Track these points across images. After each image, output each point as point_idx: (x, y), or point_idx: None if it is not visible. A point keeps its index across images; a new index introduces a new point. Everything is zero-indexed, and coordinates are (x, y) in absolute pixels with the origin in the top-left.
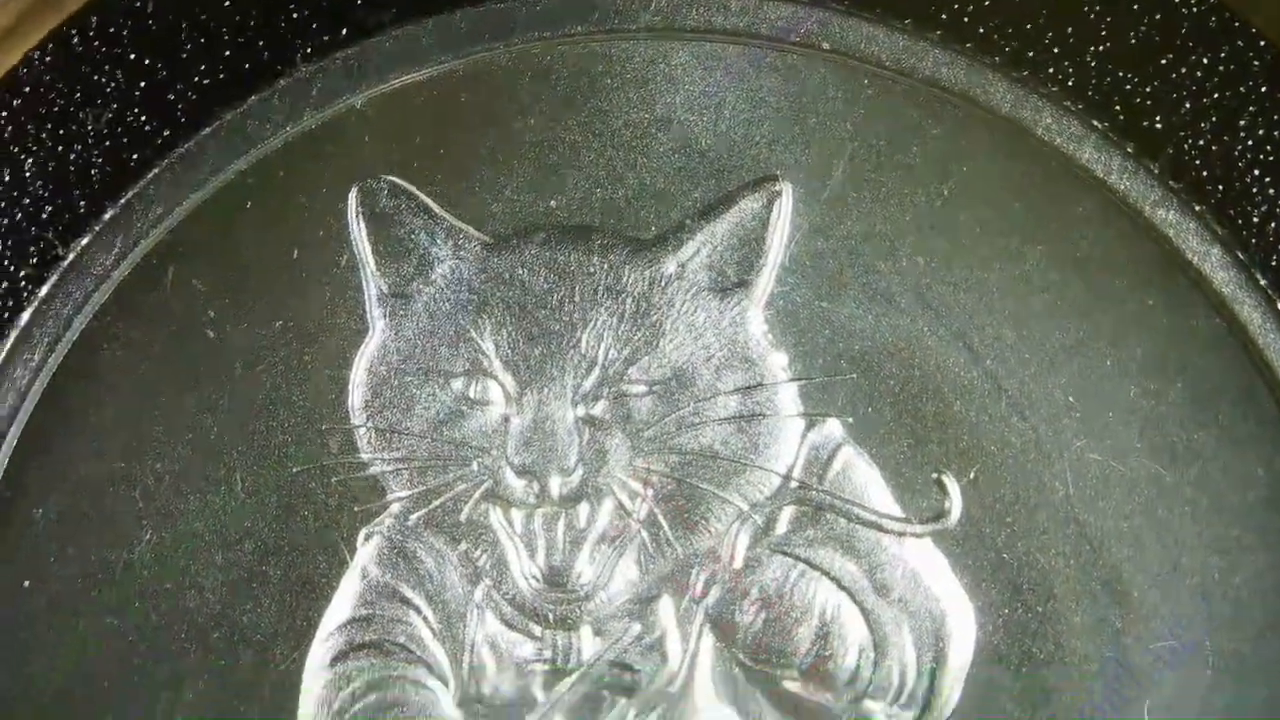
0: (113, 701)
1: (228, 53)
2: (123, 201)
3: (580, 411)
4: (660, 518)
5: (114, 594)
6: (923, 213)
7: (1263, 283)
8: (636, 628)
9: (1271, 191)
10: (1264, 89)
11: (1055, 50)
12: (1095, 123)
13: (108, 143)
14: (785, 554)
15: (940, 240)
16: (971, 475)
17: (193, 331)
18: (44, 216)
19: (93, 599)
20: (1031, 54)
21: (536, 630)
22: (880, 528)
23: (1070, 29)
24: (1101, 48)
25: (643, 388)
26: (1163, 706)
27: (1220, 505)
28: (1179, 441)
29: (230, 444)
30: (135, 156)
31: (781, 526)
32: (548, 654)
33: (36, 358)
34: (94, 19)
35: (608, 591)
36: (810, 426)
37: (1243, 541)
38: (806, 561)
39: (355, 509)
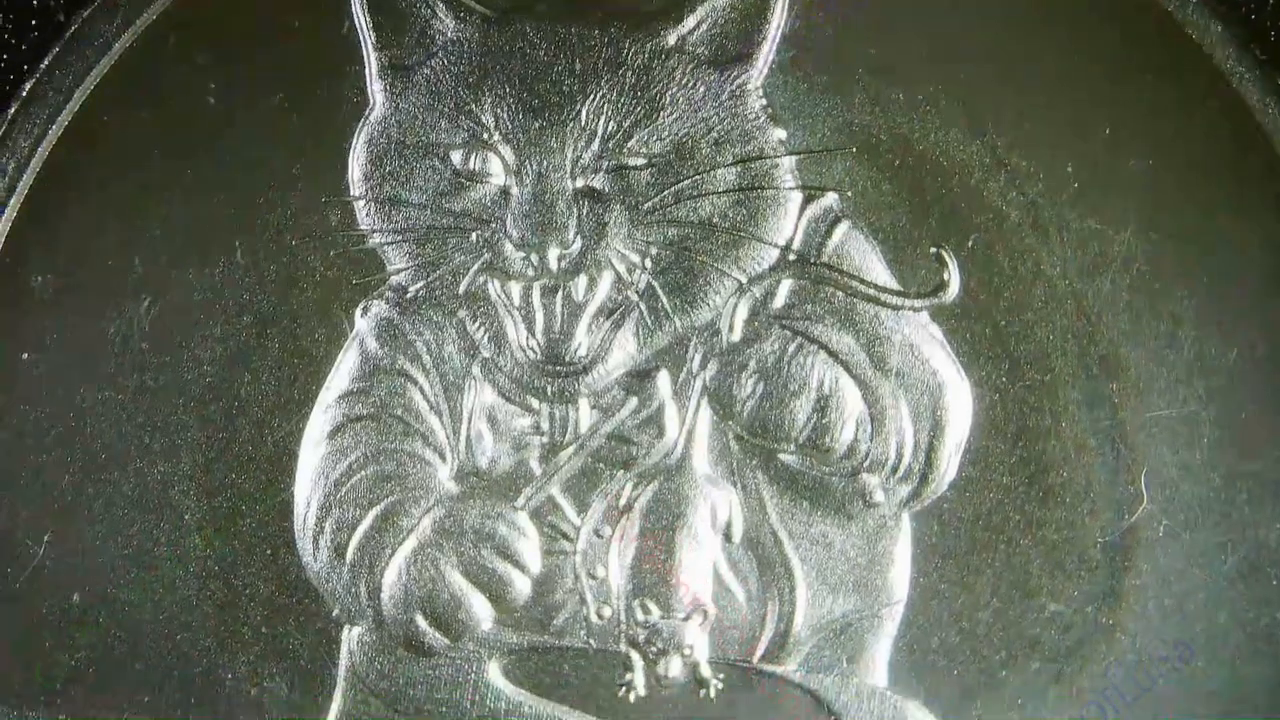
0: (109, 473)
1: None
2: None
3: (579, 184)
4: (658, 290)
5: (111, 365)
6: None
7: (1262, 58)
8: (634, 401)
9: None
10: None
11: None
12: None
13: None
14: (783, 327)
15: (943, 15)
16: (970, 247)
17: (195, 103)
18: None
19: (90, 370)
20: None
21: (534, 403)
22: (878, 301)
23: None
24: None
25: (642, 160)
26: (1158, 479)
27: (1217, 280)
28: (1177, 216)
29: (230, 216)
30: None
31: (779, 300)
32: (545, 427)
33: (37, 128)
34: None
35: (605, 364)
36: (809, 200)
37: (1239, 316)
38: (804, 335)
39: (354, 281)
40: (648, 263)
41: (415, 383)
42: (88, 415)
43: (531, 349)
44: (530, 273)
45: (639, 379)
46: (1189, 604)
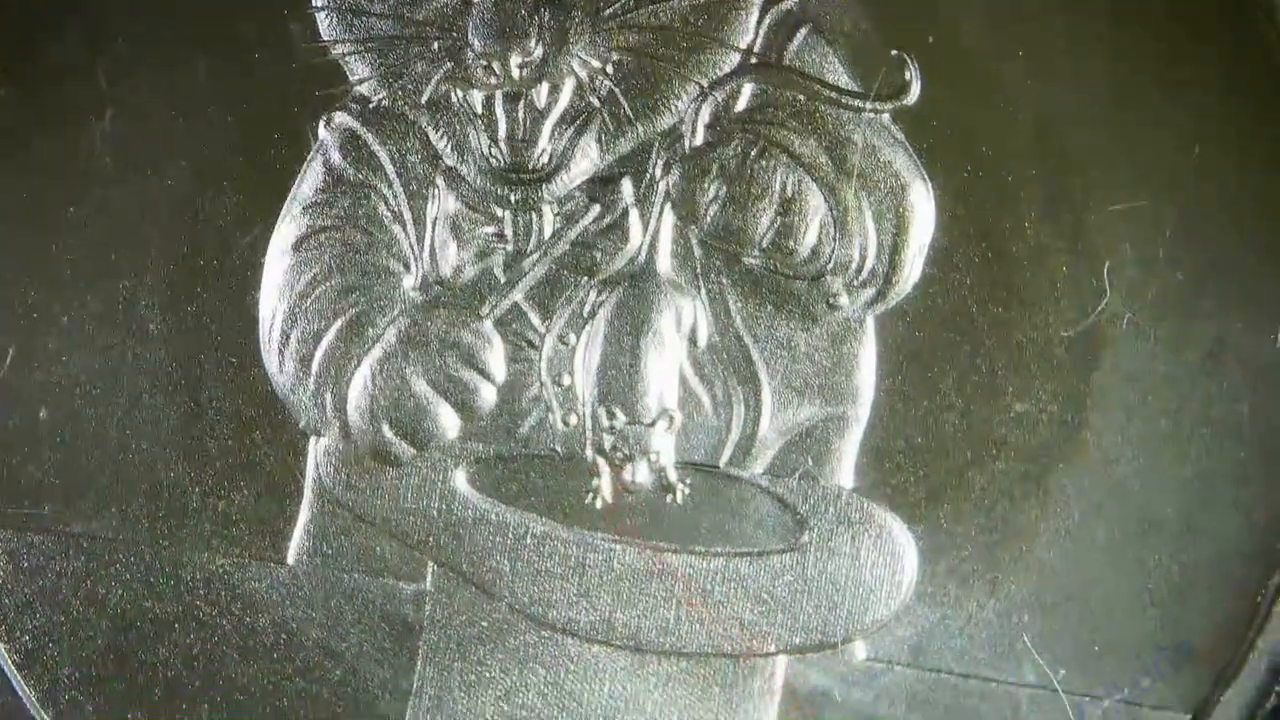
0: (74, 288)
1: None
2: None
3: None
4: (620, 97)
5: (75, 182)
6: None
7: None
8: (597, 208)
9: None
10: None
11: None
12: None
13: None
14: (745, 131)
15: None
16: (930, 49)
17: None
18: None
19: (54, 187)
20: None
21: (497, 211)
22: (840, 104)
23: None
24: None
25: None
26: (1121, 274)
27: (1179, 77)
28: (1140, 14)
29: (192, 30)
30: None
31: (741, 104)
32: (508, 234)
33: None
34: None
35: (568, 171)
36: (770, 4)
37: (1201, 112)
38: (766, 138)
39: (317, 93)
40: (609, 69)
41: (379, 193)
42: (52, 231)
43: (495, 157)
44: (492, 81)
45: (602, 185)
46: (1154, 400)
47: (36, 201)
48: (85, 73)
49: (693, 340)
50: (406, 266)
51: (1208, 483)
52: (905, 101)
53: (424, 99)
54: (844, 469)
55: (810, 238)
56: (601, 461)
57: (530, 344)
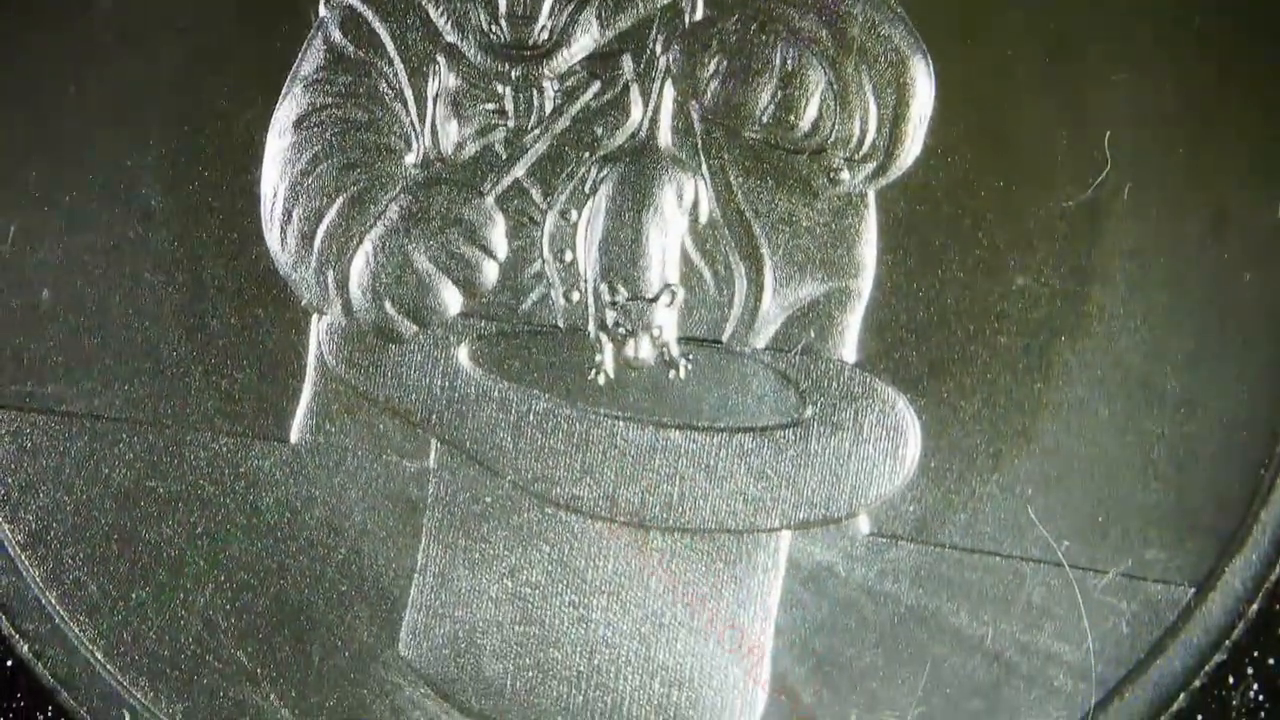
0: (76, 166)
1: None
2: None
3: None
4: None
5: (71, 63)
6: None
7: None
8: (597, 84)
9: None
10: None
11: None
12: None
13: None
14: (745, 6)
15: None
16: None
17: None
18: None
19: (55, 63)
20: None
21: (498, 88)
22: None
23: None
24: None
25: None
26: (1122, 143)
27: None
28: None
29: None
30: None
31: None
32: (509, 110)
33: None
34: None
35: (569, 47)
36: None
37: None
38: (766, 14)
39: None
40: None
41: (379, 70)
42: (53, 110)
43: (495, 33)
44: None
45: (603, 61)
46: (1155, 272)
47: (37, 80)
48: None
49: (694, 216)
50: (408, 144)
51: (1210, 354)
52: None
53: None
54: (846, 344)
55: (811, 112)
56: (604, 337)
57: (532, 220)
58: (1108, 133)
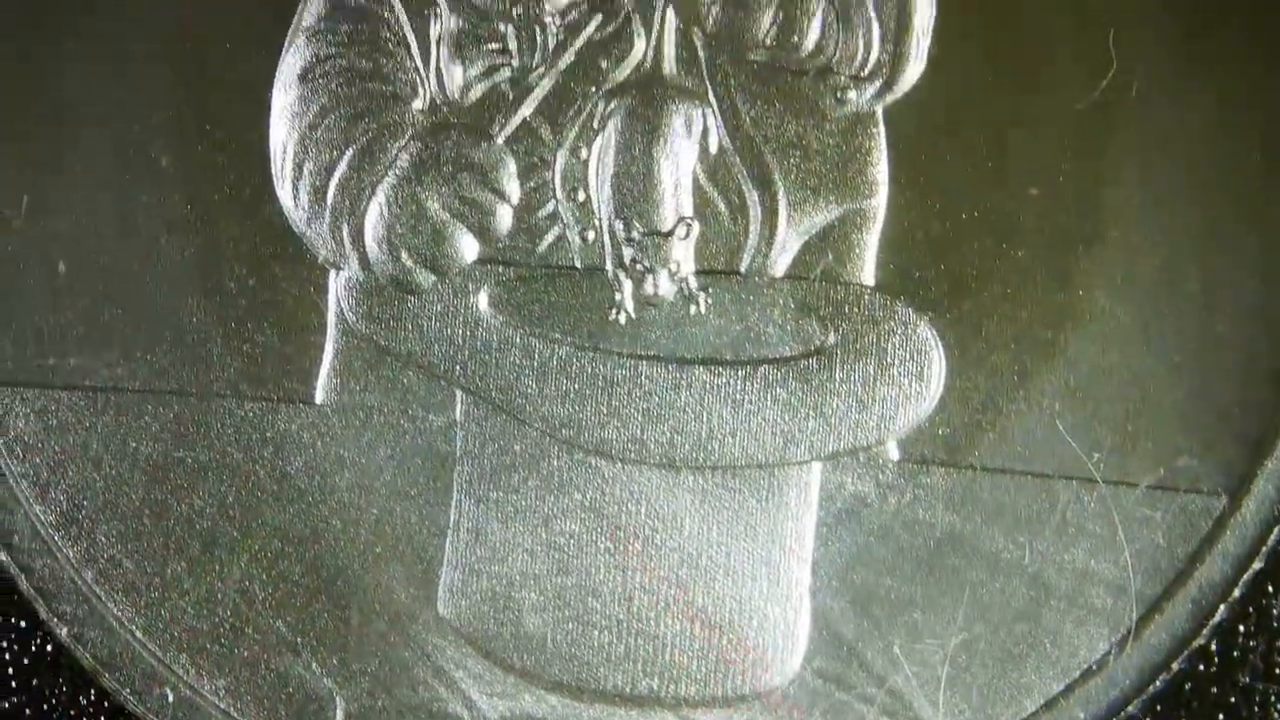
0: (85, 132)
1: None
2: None
3: None
4: None
5: (79, 10)
6: None
7: None
8: (599, 16)
9: None
10: None
11: None
12: None
13: None
14: None
15: None
16: None
17: None
18: None
19: (57, 22)
20: None
21: (500, 27)
22: None
23: None
24: None
25: None
26: (1128, 41)
27: None
28: None
29: None
30: None
31: None
32: (512, 49)
33: None
34: None
35: None
36: None
37: None
38: None
39: None
40: None
41: (380, 17)
42: (58, 75)
43: None
44: None
45: None
46: (1169, 170)
47: (40, 46)
48: None
49: (704, 145)
50: (414, 90)
51: (1226, 247)
52: None
53: None
54: (865, 266)
55: (813, 31)
56: (622, 275)
57: (543, 160)
58: (1111, 31)
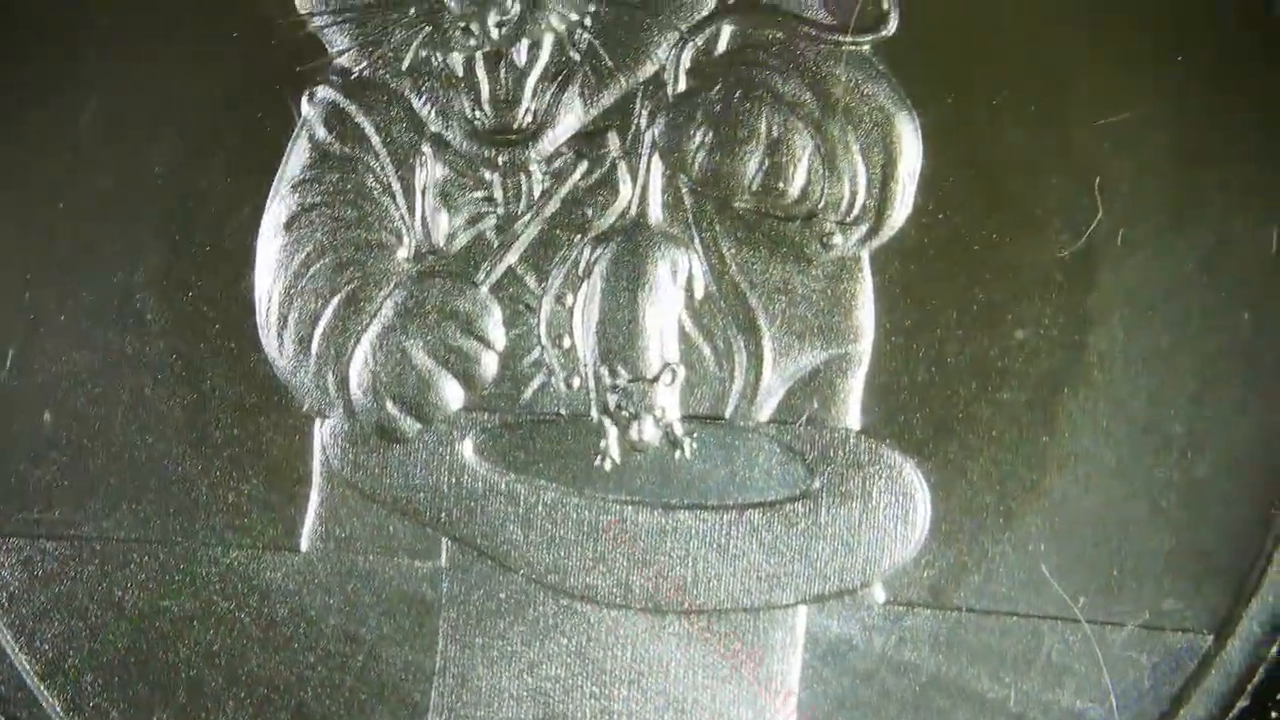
0: (70, 283)
1: None
2: None
3: None
4: (600, 49)
5: (63, 168)
6: None
7: None
8: (585, 163)
9: None
10: None
11: None
12: None
13: None
14: (727, 74)
15: None
16: None
17: None
18: None
19: (42, 177)
20: None
21: (485, 175)
22: (819, 39)
23: None
24: None
25: None
26: (1113, 188)
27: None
28: None
29: (174, 8)
30: None
31: (722, 46)
32: (498, 197)
33: None
34: None
35: (553, 129)
36: None
37: (1183, 16)
38: (749, 81)
39: (298, 68)
40: (587, 20)
41: (366, 165)
42: (44, 227)
43: (479, 119)
44: (471, 42)
45: (588, 140)
46: (1154, 315)
47: (26, 196)
48: (70, 59)
49: (689, 291)
50: (399, 238)
51: (1212, 395)
52: (884, 32)
53: (405, 66)
54: (850, 411)
55: (799, 177)
56: (607, 421)
57: (528, 307)
58: (1097, 178)
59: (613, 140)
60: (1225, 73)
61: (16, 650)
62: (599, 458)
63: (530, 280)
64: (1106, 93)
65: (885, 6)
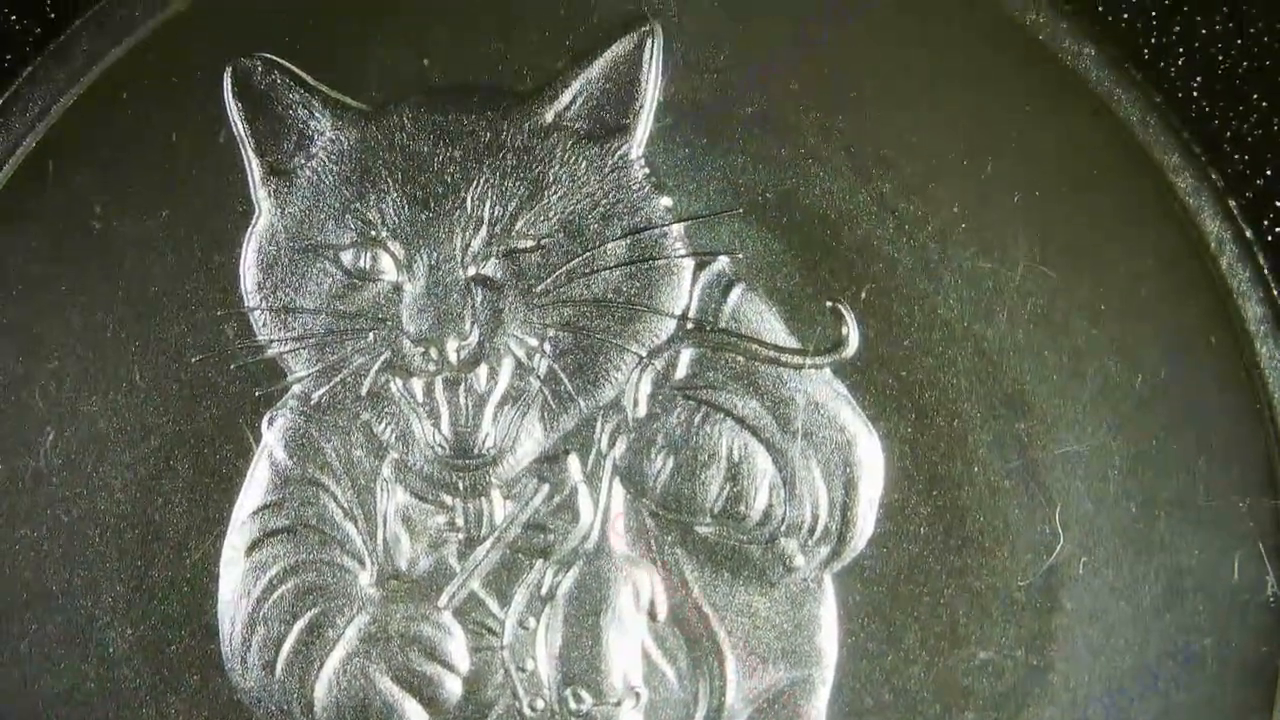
0: (33, 612)
1: None
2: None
3: (471, 272)
4: (560, 373)
5: (24, 502)
6: (796, 38)
7: (1138, 77)
8: (546, 488)
9: None
10: None
11: None
12: None
13: None
14: (687, 398)
15: (816, 65)
16: (864, 299)
17: (79, 227)
18: None
19: (3, 511)
20: None
21: (447, 499)
22: (779, 362)
23: None
24: None
25: (531, 242)
26: (1074, 515)
27: (1115, 307)
28: (1069, 247)
29: (127, 338)
30: (8, 57)
31: (681, 370)
32: (460, 522)
33: None
34: None
35: (514, 454)
36: (701, 266)
37: (1140, 341)
38: (709, 404)
39: (256, 394)
40: (546, 346)
41: (328, 490)
42: (6, 556)
43: (439, 445)
44: (430, 367)
45: (549, 464)
46: (1116, 639)
47: None
48: (25, 395)
49: (652, 614)
50: (361, 563)
51: (1176, 718)
52: (844, 355)
53: (364, 391)
54: None
55: (761, 501)
56: None
57: (491, 631)
58: (1059, 505)
59: (574, 465)
60: (1185, 398)
61: None
62: None
63: (493, 604)
64: (1066, 416)
65: (844, 329)
